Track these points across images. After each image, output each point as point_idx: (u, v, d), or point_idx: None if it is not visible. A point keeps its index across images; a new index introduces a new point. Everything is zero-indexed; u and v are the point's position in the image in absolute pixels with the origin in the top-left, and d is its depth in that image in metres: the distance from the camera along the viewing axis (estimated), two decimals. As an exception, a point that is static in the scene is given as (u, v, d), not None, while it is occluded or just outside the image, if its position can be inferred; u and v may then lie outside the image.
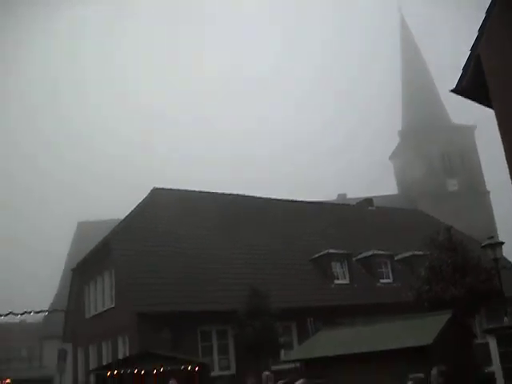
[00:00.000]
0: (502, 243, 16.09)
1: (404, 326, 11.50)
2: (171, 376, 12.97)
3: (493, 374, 9.83)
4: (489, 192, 48.64)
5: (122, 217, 23.84)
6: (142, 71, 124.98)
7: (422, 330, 10.81)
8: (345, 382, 10.10)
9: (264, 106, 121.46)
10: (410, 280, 19.20)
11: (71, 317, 27.28)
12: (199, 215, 23.00)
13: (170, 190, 24.85)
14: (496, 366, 9.67)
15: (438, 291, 15.51)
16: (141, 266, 19.88)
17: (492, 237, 16.22)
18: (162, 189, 24.68)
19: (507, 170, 8.04)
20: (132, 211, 23.35)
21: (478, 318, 19.53)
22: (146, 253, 20.57)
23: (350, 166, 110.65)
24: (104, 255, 22.19)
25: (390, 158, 54.38)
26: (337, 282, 22.63)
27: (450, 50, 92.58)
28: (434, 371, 9.09)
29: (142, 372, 14.27)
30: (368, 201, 32.72)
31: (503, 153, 8.20)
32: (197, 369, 14.11)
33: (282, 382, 11.06)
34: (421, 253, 22.15)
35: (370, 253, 24.31)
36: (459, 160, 49.40)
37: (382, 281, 23.98)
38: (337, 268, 23.10)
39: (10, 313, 21.37)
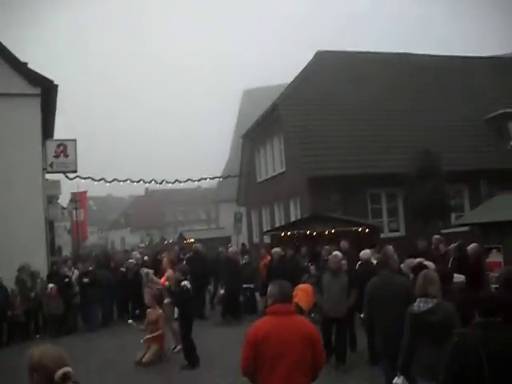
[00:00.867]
0: None
1: None
2: (342, 237, 14.68)
3: None
4: None
5: (288, 82, 25.34)
6: None
7: None
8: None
9: None
10: None
11: (243, 181, 30.89)
12: (366, 77, 23.36)
13: (335, 52, 25.41)
14: None
15: None
16: (309, 130, 21.52)
17: None
18: (327, 51, 25.32)
19: None
20: (298, 76, 24.54)
21: None
22: (314, 117, 22.09)
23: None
24: (273, 121, 24.21)
25: None
26: (513, 143, 21.93)
27: None
28: None
29: (314, 233, 16.52)
30: None
31: None
32: (367, 230, 15.83)
33: (454, 245, 12.03)
34: None
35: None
36: None
37: None
38: (514, 128, 22.22)
39: (188, 180, 25.35)
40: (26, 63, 19.06)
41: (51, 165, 20.25)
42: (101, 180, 23.56)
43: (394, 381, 5.67)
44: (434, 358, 5.06)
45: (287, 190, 22.81)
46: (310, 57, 25.46)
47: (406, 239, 17.56)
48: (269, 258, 15.76)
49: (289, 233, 16.89)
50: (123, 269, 16.06)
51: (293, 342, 4.54)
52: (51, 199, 25.45)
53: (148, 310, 11.31)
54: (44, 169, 20.08)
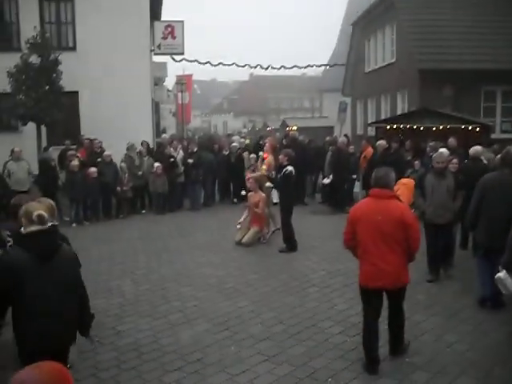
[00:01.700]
0: None
1: None
2: (450, 134, 14.13)
3: None
4: None
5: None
6: None
7: None
8: None
9: None
10: None
11: (350, 71, 30.06)
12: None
13: None
14: None
15: None
16: (424, 19, 20.34)
17: None
18: None
19: None
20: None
21: None
22: (430, 5, 20.77)
23: None
24: (386, 9, 22.98)
25: None
26: None
27: None
28: None
29: (421, 128, 16.00)
30: None
31: None
32: (478, 129, 15.08)
33: None
34: None
35: None
36: None
37: None
38: None
39: (294, 66, 24.94)
40: None
41: (159, 46, 20.60)
42: (206, 63, 23.74)
43: (496, 275, 5.70)
44: None
45: (396, 81, 22.02)
46: None
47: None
48: (369, 150, 15.57)
49: (394, 126, 16.45)
50: (226, 152, 16.54)
51: (386, 223, 5.21)
52: (157, 81, 26.17)
53: (249, 194, 11.71)
54: (151, 50, 20.50)
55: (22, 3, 18.52)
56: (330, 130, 27.11)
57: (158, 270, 9.28)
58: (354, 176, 15.44)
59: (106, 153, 14.56)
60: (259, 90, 70.66)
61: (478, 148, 10.22)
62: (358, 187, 15.85)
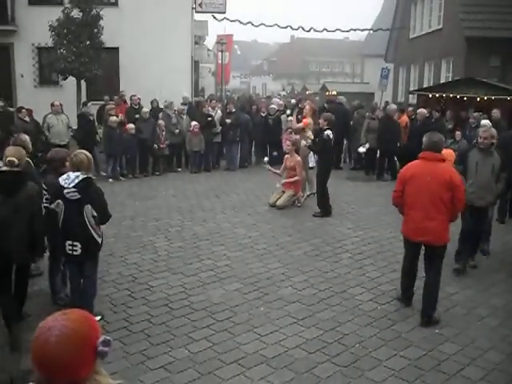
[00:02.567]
0: None
1: None
2: (495, 106, 13.71)
3: None
4: None
5: None
6: None
7: None
8: None
9: None
10: None
11: (394, 36, 29.27)
12: None
13: None
14: None
15: None
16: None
17: None
18: None
19: None
20: None
21: None
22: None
23: None
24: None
25: None
26: None
27: None
28: None
29: (464, 98, 15.54)
30: None
31: None
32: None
33: None
34: None
35: None
36: None
37: None
38: None
39: (337, 29, 24.39)
40: None
41: (200, 4, 20.37)
42: (248, 23, 23.34)
43: None
44: None
45: (441, 48, 21.38)
46: None
47: None
48: (404, 118, 15.17)
49: (437, 95, 16.02)
50: (264, 114, 16.39)
51: (434, 184, 5.68)
52: (198, 40, 25.98)
53: (286, 156, 11.62)
54: (193, 8, 20.29)
55: (66, -44, 18.46)
56: (370, 96, 26.60)
57: (191, 228, 9.35)
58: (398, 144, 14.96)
59: (144, 109, 14.58)
60: (300, 53, 69.55)
61: None
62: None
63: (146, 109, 14.69)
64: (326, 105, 17.06)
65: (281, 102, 18.16)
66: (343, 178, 14.36)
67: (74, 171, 5.40)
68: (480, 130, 7.63)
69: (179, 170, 15.19)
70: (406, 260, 6.28)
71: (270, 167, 12.05)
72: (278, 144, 15.74)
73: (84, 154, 5.60)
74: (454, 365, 4.94)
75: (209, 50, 46.18)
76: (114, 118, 13.55)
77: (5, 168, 5.21)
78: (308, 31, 25.18)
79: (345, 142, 16.75)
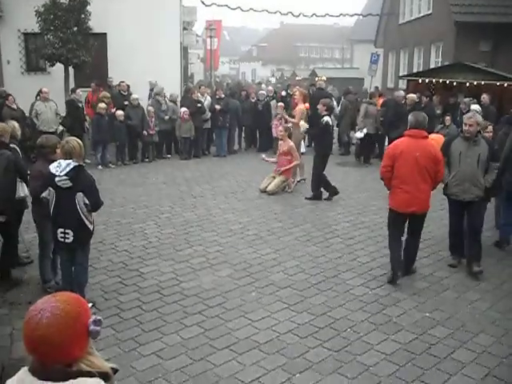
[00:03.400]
0: None
1: None
2: (484, 91, 13.72)
3: None
4: None
5: None
6: None
7: None
8: None
9: None
10: None
11: (384, 21, 29.17)
12: None
13: None
14: None
15: None
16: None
17: None
18: None
19: None
20: None
21: None
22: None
23: None
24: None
25: None
26: None
27: None
28: None
29: (454, 83, 15.54)
30: None
31: None
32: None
33: None
34: None
35: None
36: None
37: None
38: None
39: (326, 14, 24.27)
40: None
41: (189, -11, 20.16)
42: (237, 9, 23.18)
43: None
44: None
45: (430, 33, 21.37)
46: None
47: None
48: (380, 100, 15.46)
49: (427, 80, 16.01)
50: (253, 99, 16.31)
51: (422, 158, 6.22)
52: (187, 26, 25.71)
53: (279, 142, 11.59)
54: (182, -7, 20.08)
55: None
56: (360, 81, 26.60)
57: (181, 215, 9.32)
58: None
59: (133, 96, 14.45)
60: (289, 39, 69.20)
61: None
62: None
63: (136, 95, 14.56)
64: (310, 90, 16.96)
65: (270, 88, 18.08)
66: (333, 163, 14.28)
67: (65, 159, 5.34)
68: (464, 117, 6.94)
69: (169, 156, 15.12)
70: (392, 236, 6.64)
71: (266, 158, 12.02)
72: (267, 130, 15.70)
73: (76, 141, 5.55)
74: (445, 348, 4.98)
75: (197, 35, 45.79)
76: (102, 105, 13.43)
77: None
78: (297, 16, 25.07)
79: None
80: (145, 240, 7.96)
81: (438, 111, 14.46)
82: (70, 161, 5.30)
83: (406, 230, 6.71)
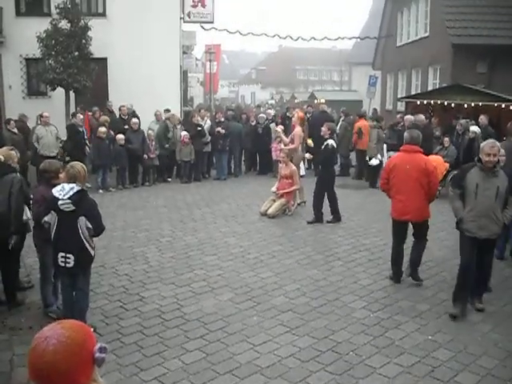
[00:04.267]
0: None
1: None
2: (482, 112, 13.81)
3: None
4: None
5: None
6: None
7: None
8: None
9: None
10: None
11: (382, 44, 29.48)
12: None
13: None
14: None
15: None
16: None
17: None
18: None
19: None
20: None
21: None
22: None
23: None
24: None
25: None
26: None
27: None
28: None
29: (452, 105, 15.67)
30: None
31: None
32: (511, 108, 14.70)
33: None
34: None
35: None
36: None
37: None
38: None
39: (324, 38, 24.54)
40: None
41: (188, 14, 20.42)
42: (236, 33, 23.43)
43: None
44: None
45: (428, 56, 21.56)
46: None
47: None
48: (362, 123, 15.67)
49: (425, 101, 16.13)
50: (253, 122, 16.42)
51: (413, 171, 6.78)
52: (186, 50, 25.99)
53: (280, 165, 11.66)
54: (181, 18, 20.33)
55: (54, -32, 18.47)
56: (358, 103, 26.79)
57: (182, 238, 9.33)
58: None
59: (133, 120, 14.56)
60: (288, 62, 69.76)
61: None
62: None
63: (136, 119, 14.67)
64: (307, 114, 17.12)
65: (270, 111, 18.22)
66: (335, 185, 14.37)
67: (69, 182, 5.39)
68: (485, 145, 6.09)
69: (169, 180, 15.17)
70: (395, 242, 7.30)
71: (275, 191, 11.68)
72: (267, 153, 15.79)
73: (80, 165, 5.61)
74: (448, 371, 4.96)
75: (197, 59, 46.21)
76: (102, 129, 13.52)
77: None
78: (296, 40, 25.31)
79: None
80: (146, 264, 7.97)
81: (437, 132, 14.54)
82: (74, 185, 5.36)
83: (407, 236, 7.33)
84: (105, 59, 18.60)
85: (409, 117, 14.17)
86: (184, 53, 24.10)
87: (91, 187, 13.36)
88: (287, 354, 5.25)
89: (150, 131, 14.67)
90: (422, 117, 13.77)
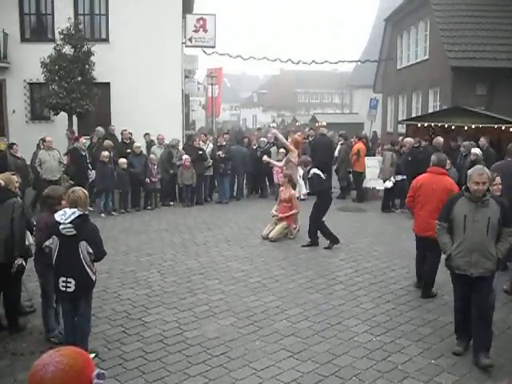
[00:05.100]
0: None
1: None
2: (483, 134, 13.89)
3: None
4: None
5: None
6: None
7: None
8: None
9: None
10: None
11: (382, 67, 29.78)
12: None
13: None
14: None
15: None
16: (459, 16, 20.16)
17: None
18: None
19: None
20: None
21: None
22: (464, 3, 20.61)
23: None
24: (420, 4, 22.81)
25: None
26: None
27: None
28: None
29: (453, 127, 15.77)
30: None
31: None
32: (511, 130, 14.79)
33: None
34: None
35: None
36: None
37: None
38: None
39: (325, 61, 24.82)
40: None
41: (190, 39, 20.68)
42: (237, 57, 23.70)
43: None
44: None
45: (428, 78, 21.77)
46: None
47: None
48: (359, 146, 15.95)
49: (425, 124, 16.26)
50: (255, 146, 16.52)
51: (438, 191, 7.26)
52: (188, 74, 26.27)
53: (281, 189, 11.73)
54: (183, 43, 20.60)
55: (58, -5, 18.82)
56: (359, 126, 26.96)
57: (184, 263, 9.34)
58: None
59: (136, 144, 14.66)
60: (289, 85, 70.36)
61: None
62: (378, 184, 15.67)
63: (138, 143, 14.77)
64: (309, 137, 17.33)
65: (271, 135, 18.34)
66: (333, 208, 14.35)
67: (70, 207, 5.44)
68: (473, 172, 5.62)
69: (171, 203, 15.21)
70: (417, 255, 7.98)
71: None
72: (268, 176, 15.92)
73: (81, 190, 5.67)
74: (451, 396, 4.94)
75: (199, 83, 46.64)
76: (105, 153, 13.61)
77: None
78: (297, 63, 25.59)
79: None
80: (148, 288, 7.97)
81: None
82: (75, 209, 5.41)
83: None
84: (107, 84, 18.80)
85: (409, 139, 14.26)
86: (186, 77, 24.36)
87: (94, 211, 13.45)
88: (290, 379, 5.23)
89: (152, 155, 14.75)
90: (440, 139, 13.75)
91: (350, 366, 5.49)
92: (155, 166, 14.48)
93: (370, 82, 32.29)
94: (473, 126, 15.01)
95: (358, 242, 10.79)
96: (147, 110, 18.21)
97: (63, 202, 5.84)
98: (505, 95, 18.10)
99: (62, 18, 17.32)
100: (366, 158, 16.32)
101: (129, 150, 14.71)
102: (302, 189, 15.04)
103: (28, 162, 13.66)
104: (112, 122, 18.05)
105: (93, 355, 5.58)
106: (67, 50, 16.42)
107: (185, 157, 14.71)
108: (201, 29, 20.67)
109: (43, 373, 1.77)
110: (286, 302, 7.38)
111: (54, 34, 18.25)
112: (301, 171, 15.52)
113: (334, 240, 10.45)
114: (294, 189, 11.76)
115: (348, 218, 13.31)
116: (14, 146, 13.18)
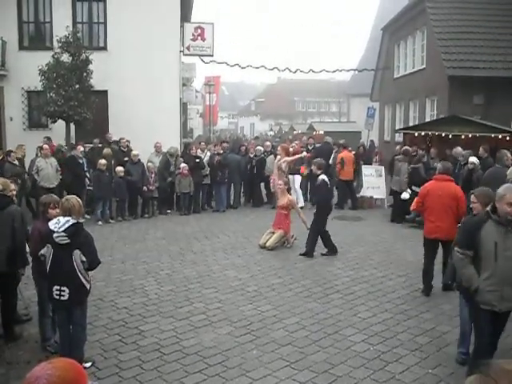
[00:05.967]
0: None
1: None
2: (480, 143, 13.92)
3: None
4: None
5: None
6: None
7: None
8: None
9: None
10: None
11: (379, 76, 29.91)
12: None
13: None
14: None
15: None
16: (456, 26, 20.28)
17: None
18: None
19: None
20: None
21: None
22: (462, 12, 20.72)
23: None
24: (417, 14, 22.97)
25: None
26: None
27: None
28: None
29: (450, 136, 15.81)
30: None
31: None
32: (508, 138, 14.84)
33: None
34: None
35: None
36: None
37: None
38: None
39: (323, 70, 24.89)
40: None
41: (188, 47, 20.73)
42: (235, 65, 23.74)
43: None
44: None
45: (425, 87, 21.88)
46: None
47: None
48: (346, 154, 16.10)
49: (422, 133, 16.29)
50: (251, 154, 16.53)
51: (444, 197, 7.86)
52: (186, 82, 26.32)
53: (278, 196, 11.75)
54: (181, 51, 20.64)
55: (56, 3, 18.87)
56: (357, 134, 27.00)
57: (181, 271, 9.33)
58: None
59: (133, 152, 14.65)
60: (286, 93, 70.52)
61: None
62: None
63: (136, 151, 14.77)
64: (308, 146, 17.36)
65: (268, 143, 18.35)
66: (330, 217, 14.37)
67: (64, 216, 5.43)
68: (506, 192, 4.74)
69: (169, 212, 15.19)
70: (426, 259, 8.21)
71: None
72: (262, 184, 15.98)
73: (75, 198, 5.65)
74: (449, 406, 4.93)
75: (197, 91, 46.77)
76: (103, 161, 13.61)
77: None
78: (294, 72, 25.64)
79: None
80: (145, 297, 7.95)
81: (436, 164, 14.63)
82: (69, 218, 5.40)
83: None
84: (105, 92, 18.81)
85: (405, 148, 14.30)
86: (184, 85, 24.39)
87: (90, 219, 13.43)
88: (287, 388, 5.22)
89: (149, 163, 14.75)
90: (459, 149, 13.65)
91: (347, 376, 5.48)
92: (153, 175, 14.48)
93: (367, 91, 32.41)
94: (470, 135, 15.04)
95: (355, 251, 10.79)
96: (145, 118, 18.23)
97: (57, 210, 5.83)
98: (501, 104, 18.19)
99: (61, 26, 17.33)
100: (363, 166, 16.36)
101: (126, 158, 14.71)
102: (300, 199, 15.07)
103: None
104: (109, 130, 18.05)
105: (89, 364, 5.56)
106: (65, 58, 16.43)
107: (182, 165, 14.72)
108: (199, 37, 20.71)
109: None
110: (283, 310, 7.36)
111: (52, 42, 18.26)
112: (298, 181, 15.61)
113: (332, 252, 10.46)
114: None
115: (345, 227, 13.31)
116: (12, 154, 13.16)
